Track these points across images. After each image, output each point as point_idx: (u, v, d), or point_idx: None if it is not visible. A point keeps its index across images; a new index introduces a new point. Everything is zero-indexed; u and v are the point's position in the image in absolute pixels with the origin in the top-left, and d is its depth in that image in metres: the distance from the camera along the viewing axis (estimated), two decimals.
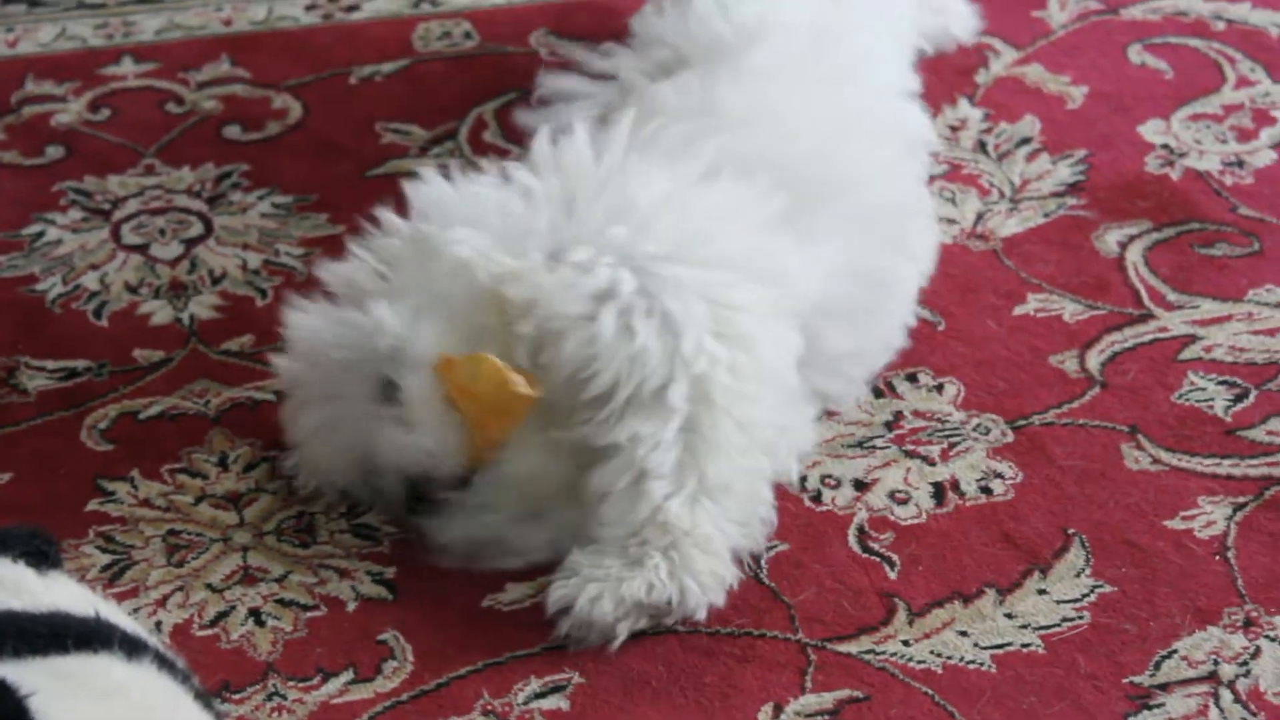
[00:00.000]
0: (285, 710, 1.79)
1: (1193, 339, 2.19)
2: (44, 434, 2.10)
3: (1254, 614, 1.87)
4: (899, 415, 2.10)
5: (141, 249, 2.36)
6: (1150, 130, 2.52)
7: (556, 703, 1.79)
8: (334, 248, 2.17)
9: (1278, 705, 1.78)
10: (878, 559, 1.94)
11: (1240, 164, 2.46)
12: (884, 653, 1.84)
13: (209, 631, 1.87)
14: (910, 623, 1.87)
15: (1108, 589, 1.90)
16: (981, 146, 2.49)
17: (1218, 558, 1.93)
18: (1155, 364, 2.16)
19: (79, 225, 2.39)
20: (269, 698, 1.80)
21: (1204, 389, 2.12)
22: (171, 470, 2.05)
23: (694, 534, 1.85)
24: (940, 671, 1.82)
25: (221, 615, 1.89)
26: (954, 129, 2.52)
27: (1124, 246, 2.33)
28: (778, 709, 1.78)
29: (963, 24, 2.67)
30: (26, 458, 2.07)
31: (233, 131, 2.56)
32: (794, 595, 1.90)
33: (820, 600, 1.89)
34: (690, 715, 1.78)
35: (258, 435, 2.07)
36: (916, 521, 1.98)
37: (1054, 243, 2.33)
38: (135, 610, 1.88)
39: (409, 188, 2.03)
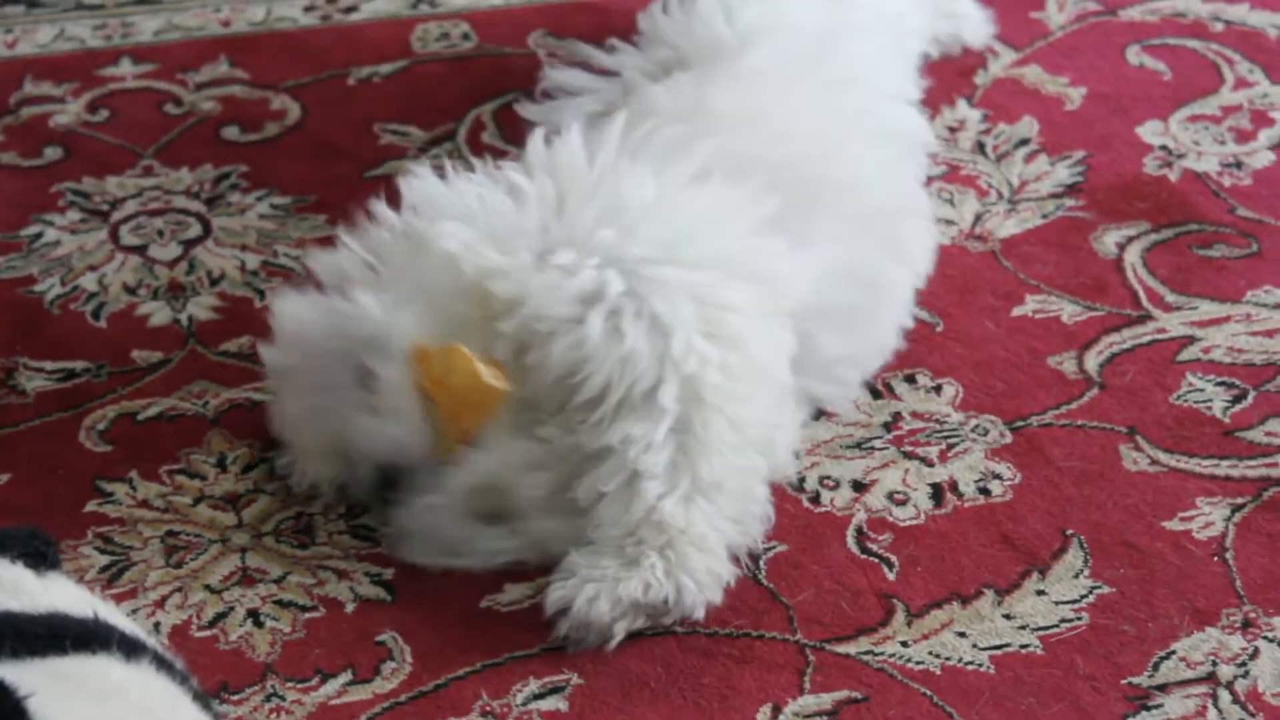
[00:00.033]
0: (284, 711, 1.79)
1: (1191, 340, 2.19)
2: (42, 435, 2.10)
3: (1252, 615, 1.87)
4: (897, 416, 2.10)
5: (140, 250, 2.35)
6: (1148, 131, 2.52)
7: (555, 704, 1.79)
8: (330, 246, 2.16)
9: (1276, 706, 1.78)
10: (876, 560, 1.94)
11: (1239, 165, 2.46)
12: (882, 654, 1.84)
13: (207, 632, 1.87)
14: (909, 624, 1.87)
15: (1106, 590, 1.90)
16: (980, 147, 2.49)
17: (1216, 559, 1.93)
18: (1154, 365, 2.16)
19: (77, 226, 2.39)
20: (267, 699, 1.80)
21: (1202, 390, 2.12)
22: (170, 471, 2.05)
23: (689, 533, 1.85)
24: (939, 672, 1.82)
25: (220, 616, 1.88)
26: (952, 130, 2.52)
27: (1122, 248, 2.33)
28: (776, 710, 1.78)
29: (975, 29, 2.66)
30: (25, 459, 2.07)
31: (231, 132, 2.56)
32: (792, 596, 1.90)
33: (819, 601, 1.89)
34: (689, 716, 1.78)
35: (256, 436, 2.07)
36: (915, 522, 1.98)
37: (1052, 244, 2.33)
38: (134, 611, 1.87)
39: (402, 183, 2.03)
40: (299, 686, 1.81)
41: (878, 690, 1.80)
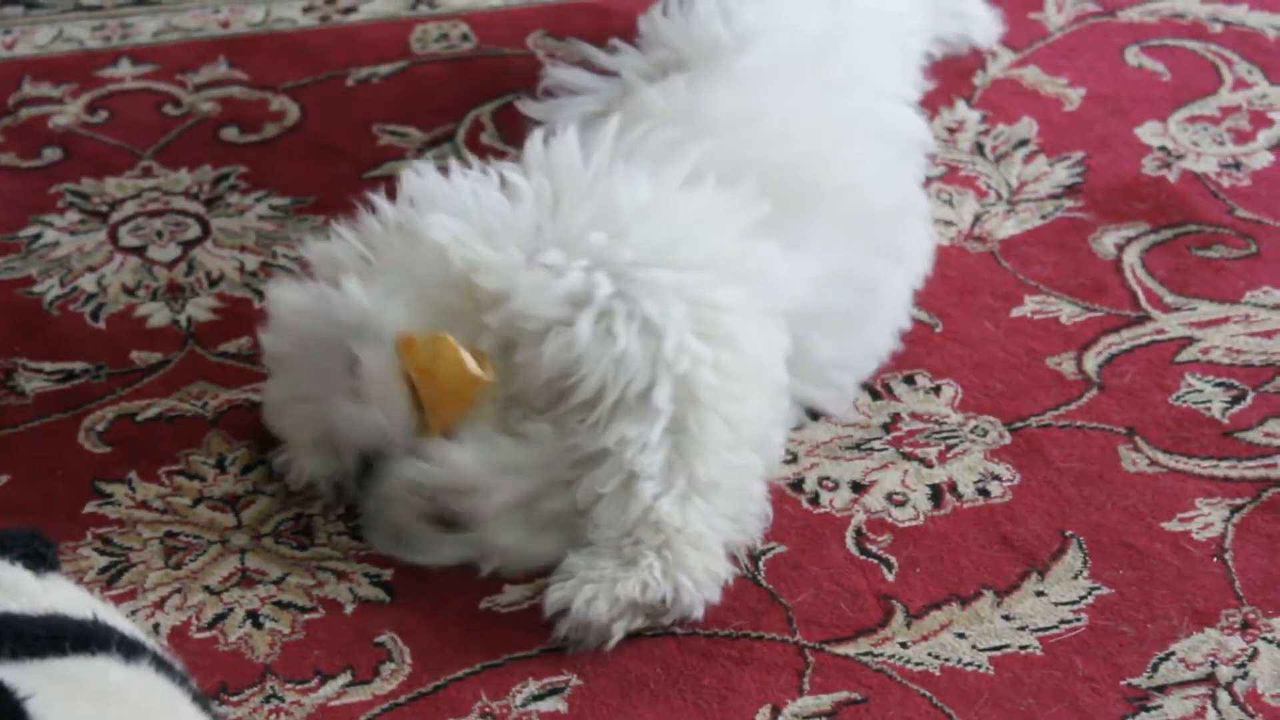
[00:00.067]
0: (283, 712, 1.79)
1: (1190, 341, 2.19)
2: (41, 436, 2.10)
3: (1251, 616, 1.87)
4: (896, 417, 2.10)
5: (139, 251, 2.35)
6: (1147, 132, 2.52)
7: (554, 705, 1.79)
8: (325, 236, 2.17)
9: (1275, 707, 1.78)
10: (875, 561, 1.94)
11: (1237, 166, 2.46)
12: (882, 655, 1.84)
13: (207, 633, 1.87)
14: (908, 625, 1.87)
15: (1105, 591, 1.90)
16: (979, 148, 2.49)
17: (1215, 560, 1.93)
18: (1153, 366, 2.16)
19: (76, 227, 2.39)
20: (267, 700, 1.80)
21: (1201, 391, 2.12)
22: (169, 472, 2.05)
23: (686, 532, 1.85)
24: (938, 673, 1.82)
25: (219, 617, 1.88)
26: (951, 131, 2.52)
27: (1121, 248, 2.33)
28: (776, 711, 1.78)
29: (984, 30, 2.66)
30: (24, 460, 2.07)
31: (230, 133, 2.56)
32: (792, 597, 1.90)
33: (818, 602, 1.89)
34: (688, 717, 1.78)
35: (255, 437, 2.07)
36: (914, 523, 1.98)
37: (1051, 245, 2.33)
38: (133, 612, 1.87)
39: (403, 177, 2.04)
40: (298, 688, 1.81)
41: (877, 691, 1.80)
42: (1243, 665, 1.82)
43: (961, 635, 1.86)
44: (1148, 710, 1.78)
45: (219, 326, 2.24)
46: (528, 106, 2.42)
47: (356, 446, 1.94)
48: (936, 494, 2.01)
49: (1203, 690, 1.80)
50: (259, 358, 2.12)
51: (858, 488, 2.02)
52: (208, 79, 2.66)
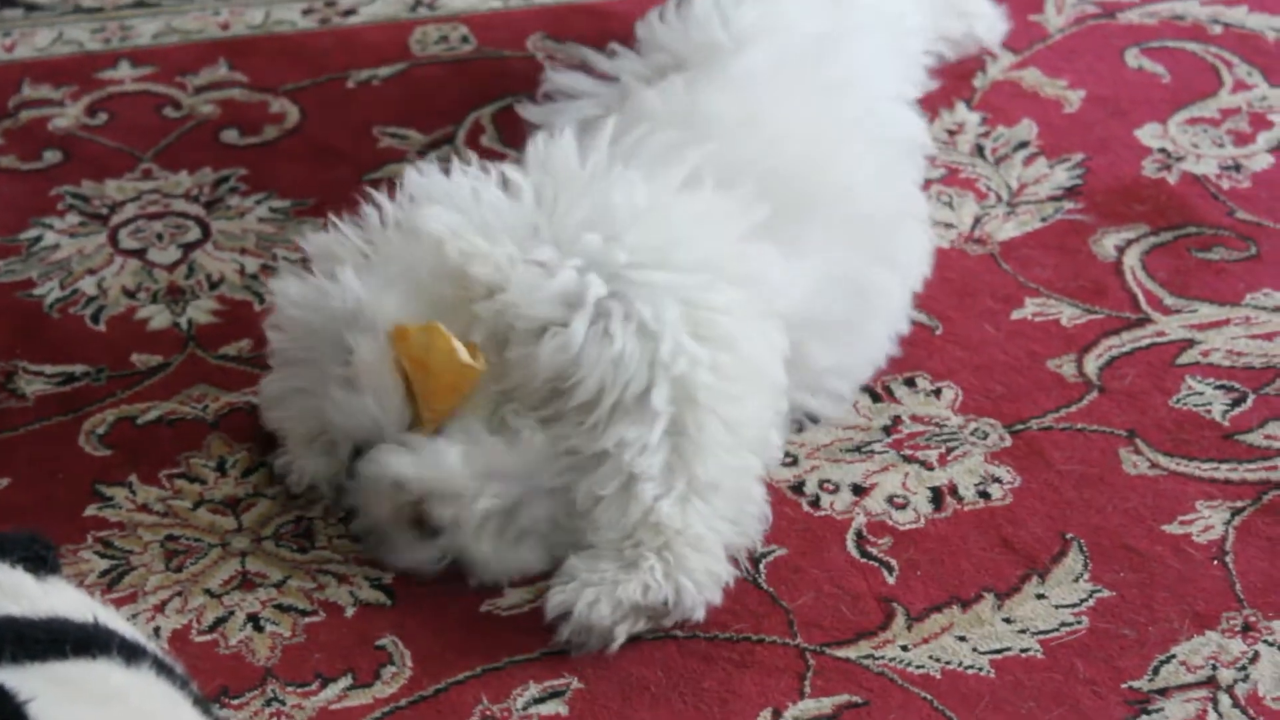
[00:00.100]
0: (284, 716, 1.78)
1: (1190, 343, 2.19)
2: (42, 439, 2.10)
3: (1252, 619, 1.87)
4: (897, 420, 2.10)
5: (139, 253, 2.35)
6: (1147, 134, 2.52)
7: (555, 708, 1.79)
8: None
9: (1276, 710, 1.78)
10: (876, 564, 1.94)
11: (1237, 168, 2.46)
12: (882, 658, 1.84)
13: (207, 637, 1.87)
14: (909, 628, 1.87)
15: (1106, 594, 1.90)
16: (979, 150, 2.49)
17: (1216, 562, 1.93)
18: (1153, 368, 2.16)
19: (76, 230, 2.39)
20: (268, 703, 1.80)
21: (1202, 393, 2.12)
22: (170, 475, 2.05)
23: (686, 534, 1.85)
24: (939, 676, 1.82)
25: (220, 620, 1.88)
26: (951, 133, 2.52)
27: (1121, 250, 2.33)
28: (776, 714, 1.78)
29: (989, 27, 2.66)
30: (24, 463, 2.07)
31: (230, 136, 2.56)
32: (792, 600, 1.90)
33: (819, 605, 1.89)
34: None
35: (256, 440, 2.07)
36: (915, 526, 1.98)
37: (1051, 247, 2.33)
38: (134, 615, 1.87)
39: (406, 174, 2.04)
40: (299, 691, 1.81)
41: (878, 694, 1.80)
42: (1244, 668, 1.82)
43: (962, 638, 1.86)
44: (1149, 713, 1.78)
45: (219, 329, 2.24)
46: (527, 111, 2.42)
47: (349, 437, 1.94)
48: (937, 496, 2.01)
49: (1204, 693, 1.80)
50: (260, 360, 2.12)
51: (858, 490, 2.02)
52: (208, 81, 2.66)
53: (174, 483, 2.04)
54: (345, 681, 1.82)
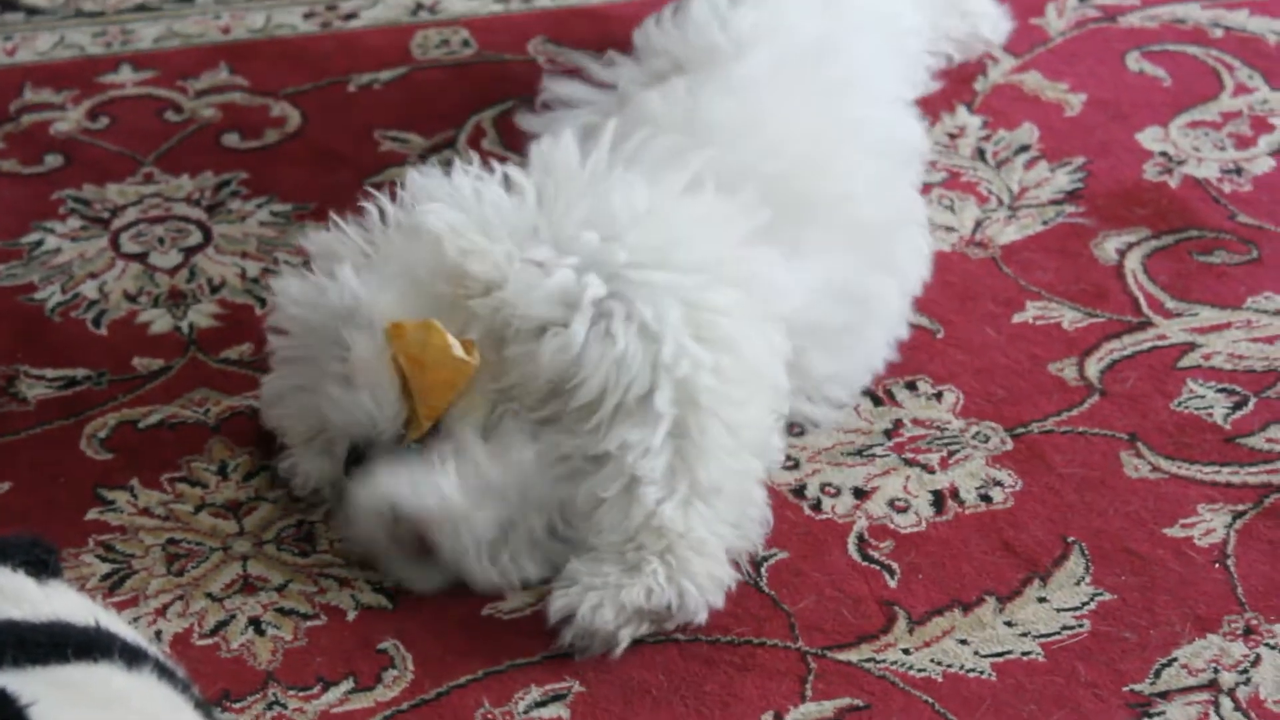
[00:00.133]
0: (285, 719, 1.78)
1: (1192, 346, 2.19)
2: (43, 443, 2.10)
3: (1254, 622, 1.87)
4: (898, 423, 2.10)
5: (140, 257, 2.35)
6: (1148, 138, 2.52)
7: (557, 711, 1.79)
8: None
9: (1278, 713, 1.78)
10: (877, 567, 1.94)
11: (1239, 171, 2.46)
12: (884, 661, 1.84)
13: (209, 640, 1.87)
14: (910, 631, 1.87)
15: (1107, 597, 1.90)
16: (980, 154, 2.49)
17: (1217, 565, 1.93)
18: (1154, 371, 2.16)
19: (78, 234, 2.39)
20: (269, 707, 1.80)
21: (1203, 396, 2.12)
22: (171, 479, 2.05)
23: (688, 537, 1.85)
24: (940, 680, 1.82)
25: (221, 624, 1.88)
26: (952, 136, 2.52)
27: (1123, 254, 2.33)
28: (778, 717, 1.78)
29: (992, 26, 2.66)
30: (26, 466, 2.07)
31: (231, 139, 2.56)
32: (794, 603, 1.90)
33: (820, 608, 1.89)
34: None
35: (257, 444, 2.07)
36: (916, 530, 1.98)
37: (1053, 250, 2.33)
38: (135, 619, 1.87)
39: (408, 174, 2.04)
40: (301, 694, 1.81)
41: (879, 698, 1.80)
42: (1245, 671, 1.82)
43: (964, 641, 1.86)
44: (1150, 716, 1.78)
45: (221, 333, 2.24)
46: (526, 121, 2.42)
47: (346, 434, 1.94)
48: (938, 500, 2.01)
49: (1205, 696, 1.80)
50: (261, 364, 2.13)
51: (860, 494, 2.02)
52: (209, 85, 2.66)
53: (175, 486, 2.04)
54: (347, 685, 1.82)
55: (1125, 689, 1.80)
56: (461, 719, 1.78)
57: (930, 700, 1.79)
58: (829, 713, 1.79)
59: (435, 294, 1.93)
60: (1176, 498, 2.00)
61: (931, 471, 2.04)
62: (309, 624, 1.88)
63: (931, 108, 2.53)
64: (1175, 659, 1.83)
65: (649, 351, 1.88)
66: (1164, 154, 2.49)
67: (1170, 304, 2.25)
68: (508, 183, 2.02)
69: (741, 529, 1.91)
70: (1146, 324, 2.22)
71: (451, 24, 2.78)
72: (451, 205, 1.97)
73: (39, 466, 2.06)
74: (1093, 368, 2.16)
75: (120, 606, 1.88)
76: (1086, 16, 2.76)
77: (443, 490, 1.86)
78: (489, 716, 1.79)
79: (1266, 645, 1.84)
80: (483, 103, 2.60)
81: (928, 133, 2.44)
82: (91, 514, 2.00)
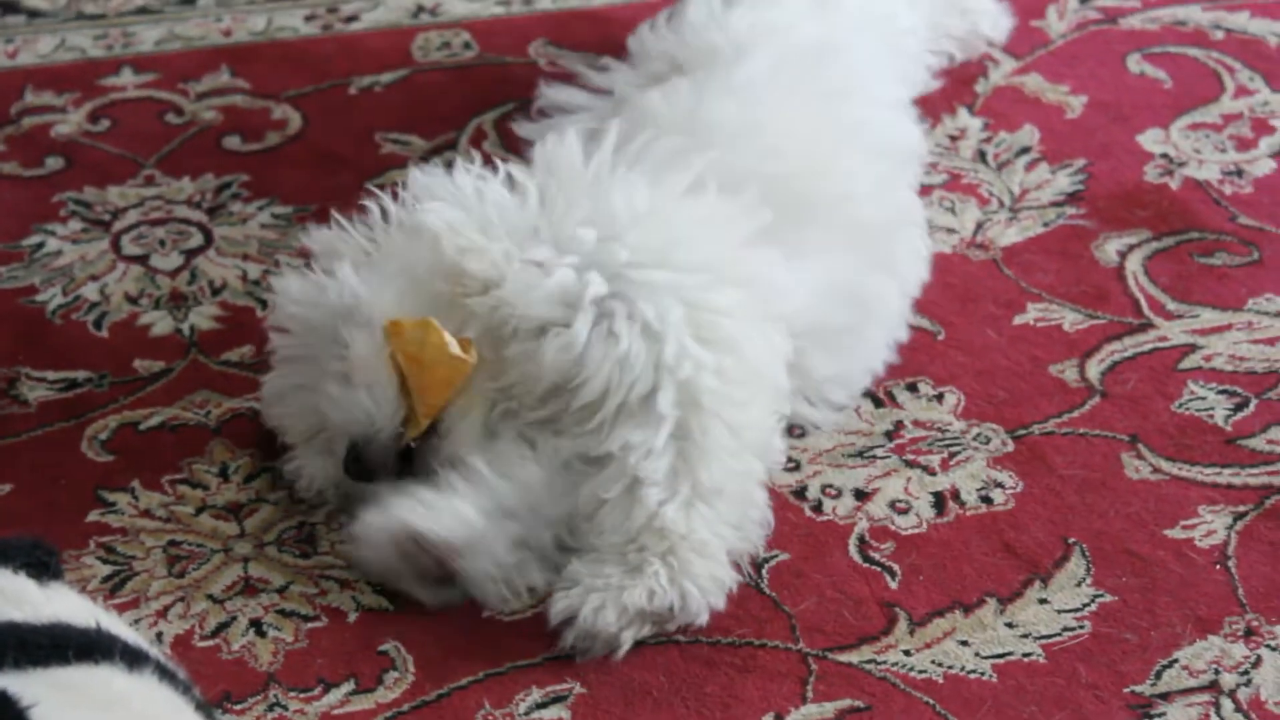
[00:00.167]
0: None
1: (1192, 348, 2.19)
2: (44, 445, 2.10)
3: (1255, 623, 1.87)
4: (899, 425, 2.10)
5: (141, 260, 2.36)
6: (1149, 139, 2.52)
7: (558, 713, 1.79)
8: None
9: (1278, 714, 1.78)
10: (878, 569, 1.94)
11: (1239, 173, 2.46)
12: (885, 662, 1.83)
13: (210, 642, 1.87)
14: (911, 632, 1.87)
15: (1108, 598, 1.90)
16: (981, 156, 2.49)
17: (1218, 567, 1.93)
18: (1155, 373, 2.16)
19: (79, 236, 2.39)
20: (270, 708, 1.80)
21: (1204, 398, 2.12)
22: (172, 481, 2.05)
23: (690, 539, 1.85)
24: (941, 681, 1.82)
25: (222, 626, 1.88)
26: (954, 138, 2.52)
27: (1123, 256, 2.33)
28: (779, 719, 1.78)
29: (993, 23, 2.66)
30: (27, 468, 2.07)
31: (232, 142, 2.56)
32: (795, 605, 1.90)
33: (821, 610, 1.89)
34: None
35: (258, 446, 2.07)
36: (917, 531, 1.98)
37: (1053, 252, 2.33)
38: (136, 621, 1.88)
39: (410, 174, 2.04)
40: (302, 696, 1.81)
41: (880, 699, 1.80)
42: (1246, 672, 1.82)
43: (964, 643, 1.86)
44: (1151, 718, 1.78)
45: (221, 335, 2.24)
46: (523, 128, 2.42)
47: (345, 432, 1.94)
48: (939, 501, 2.01)
49: (1206, 697, 1.80)
50: (262, 365, 2.13)
51: (861, 495, 2.02)
52: (210, 87, 2.66)
53: (176, 488, 2.04)
54: (348, 686, 1.82)
55: (1126, 690, 1.80)
56: None
57: (931, 701, 1.79)
58: (830, 714, 1.79)
59: (434, 292, 1.93)
60: (1177, 499, 2.00)
61: (932, 473, 2.04)
62: (310, 625, 1.88)
63: (932, 110, 2.53)
64: (1176, 660, 1.83)
65: (652, 351, 1.88)
66: (1165, 156, 2.49)
67: (1171, 306, 2.25)
68: (511, 182, 2.02)
69: (743, 530, 1.91)
70: (1147, 326, 2.22)
71: (453, 26, 2.78)
72: (453, 204, 1.97)
73: (40, 468, 2.06)
74: (1094, 369, 2.16)
75: (121, 608, 1.88)
76: (1087, 19, 2.76)
77: (463, 516, 1.85)
78: (490, 718, 1.79)
79: (1267, 646, 1.84)
80: (484, 105, 2.60)
81: (929, 135, 2.45)
82: (92, 516, 2.01)
